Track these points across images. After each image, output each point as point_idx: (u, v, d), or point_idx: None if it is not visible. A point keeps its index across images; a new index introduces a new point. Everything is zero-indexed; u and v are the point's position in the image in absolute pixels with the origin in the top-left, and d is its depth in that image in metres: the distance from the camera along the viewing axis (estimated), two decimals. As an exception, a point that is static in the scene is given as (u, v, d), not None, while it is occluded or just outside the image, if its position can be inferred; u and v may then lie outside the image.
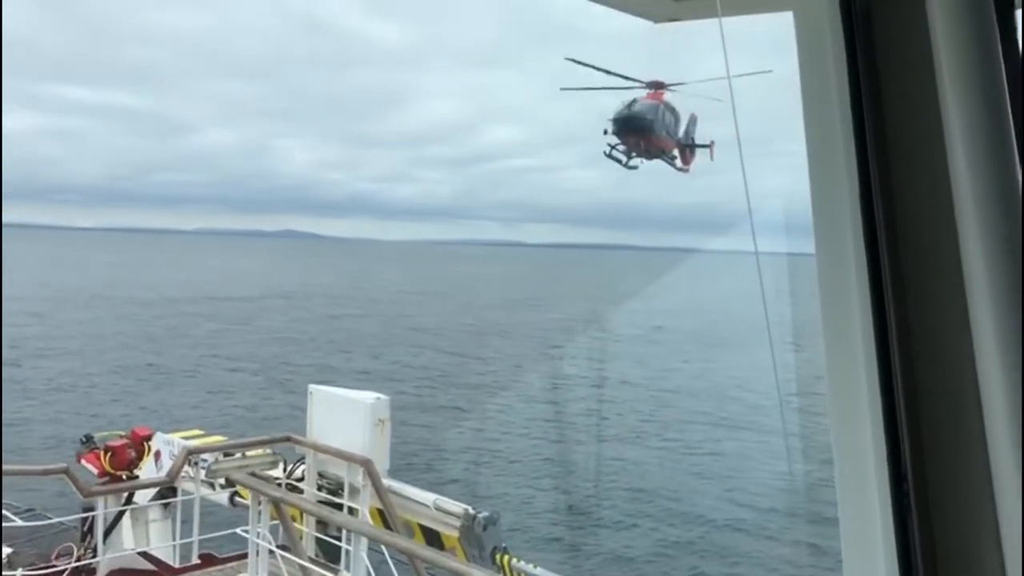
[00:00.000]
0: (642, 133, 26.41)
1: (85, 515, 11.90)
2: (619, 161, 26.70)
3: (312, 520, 12.06)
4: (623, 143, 26.37)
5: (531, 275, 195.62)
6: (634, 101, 26.46)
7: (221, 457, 12.48)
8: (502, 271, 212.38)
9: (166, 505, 12.95)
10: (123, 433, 13.16)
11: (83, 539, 12.08)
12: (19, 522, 12.37)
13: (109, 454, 12.41)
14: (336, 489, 12.37)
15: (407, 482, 12.82)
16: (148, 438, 12.97)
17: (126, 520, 12.91)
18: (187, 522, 12.31)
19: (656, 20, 2.64)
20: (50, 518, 13.41)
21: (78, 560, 11.69)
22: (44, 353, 56.52)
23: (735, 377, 48.46)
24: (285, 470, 13.02)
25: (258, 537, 11.11)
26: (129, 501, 12.64)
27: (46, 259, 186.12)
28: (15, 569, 11.60)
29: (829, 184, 1.80)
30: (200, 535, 12.09)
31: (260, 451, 12.93)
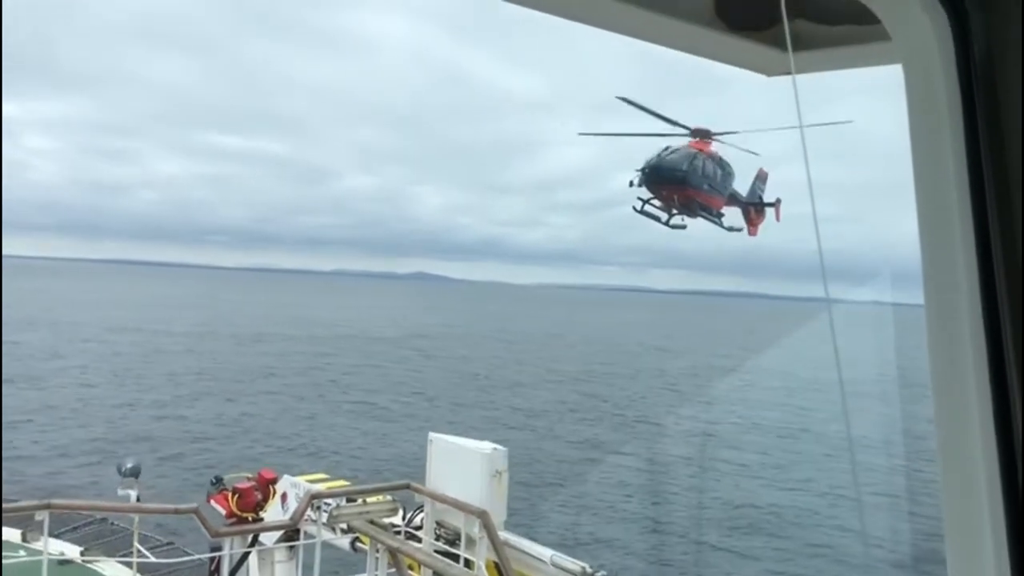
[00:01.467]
0: (675, 185, 23.06)
1: (213, 555, 12.27)
2: (656, 219, 23.53)
3: (429, 570, 12.01)
4: (656, 197, 23.29)
5: (660, 322, 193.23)
6: (667, 149, 23.33)
7: (343, 502, 12.65)
8: (630, 317, 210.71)
9: (291, 547, 13.19)
10: (250, 475, 13.56)
11: (211, 577, 12.47)
12: (151, 558, 12.87)
13: (236, 496, 12.79)
14: (454, 539, 12.29)
15: (523, 534, 12.63)
16: (274, 481, 13.31)
17: (253, 560, 13.24)
18: (310, 565, 12.51)
19: (769, 74, 2.74)
20: (190, 553, 13.94)
21: None
22: (209, 391, 59.96)
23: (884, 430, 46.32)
24: (404, 517, 13.07)
25: None
26: (255, 542, 12.95)
27: (202, 296, 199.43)
28: None
29: (942, 242, 1.70)
30: (321, 579, 12.24)
31: (380, 497, 13.03)
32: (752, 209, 26.22)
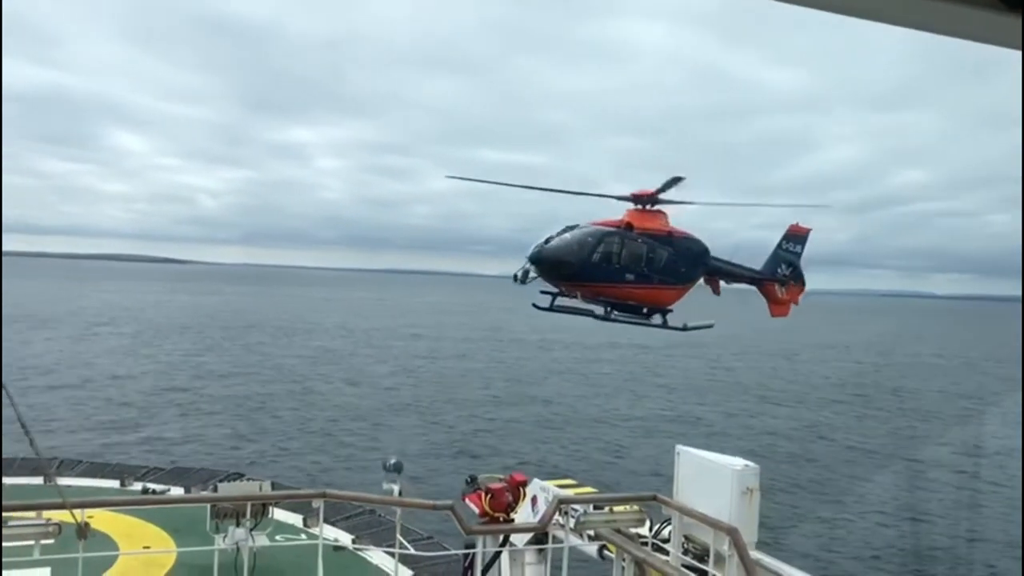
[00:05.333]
0: (571, 281, 17.02)
1: (467, 551, 12.80)
2: (585, 313, 17.63)
3: (675, 585, 11.70)
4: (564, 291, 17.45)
5: (951, 331, 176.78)
6: (565, 228, 17.28)
7: (591, 509, 12.69)
8: (911, 325, 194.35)
9: (541, 550, 13.44)
10: (502, 476, 13.98)
11: (464, 573, 13.00)
12: (411, 550, 13.68)
13: (489, 496, 13.24)
14: (702, 555, 11.91)
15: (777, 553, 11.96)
16: (524, 483, 13.62)
17: (504, 559, 13.64)
18: (559, 568, 12.67)
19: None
20: (447, 548, 14.72)
21: None
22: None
23: None
24: (651, 529, 12.87)
25: None
26: (506, 542, 13.33)
27: (470, 304, 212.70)
28: None
29: None
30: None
31: (627, 507, 12.92)
32: (774, 285, 19.59)
